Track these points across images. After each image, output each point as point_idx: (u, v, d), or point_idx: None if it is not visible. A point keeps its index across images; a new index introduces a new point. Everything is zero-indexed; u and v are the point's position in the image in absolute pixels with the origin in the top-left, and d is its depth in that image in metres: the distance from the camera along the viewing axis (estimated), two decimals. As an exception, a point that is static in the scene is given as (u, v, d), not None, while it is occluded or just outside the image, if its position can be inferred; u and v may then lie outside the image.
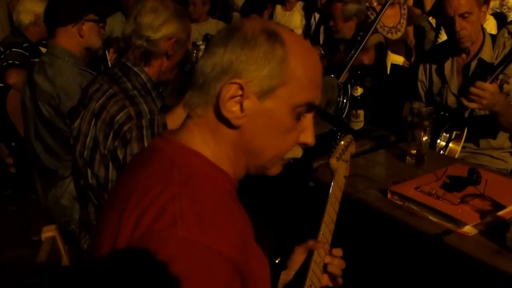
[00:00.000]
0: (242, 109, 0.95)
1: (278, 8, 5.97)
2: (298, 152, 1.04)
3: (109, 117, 1.84)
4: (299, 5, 5.93)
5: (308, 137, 1.03)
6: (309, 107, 1.00)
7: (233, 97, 0.94)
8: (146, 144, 1.77)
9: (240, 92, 0.94)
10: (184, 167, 0.95)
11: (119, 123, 1.81)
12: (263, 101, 0.95)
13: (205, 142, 0.99)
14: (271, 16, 5.65)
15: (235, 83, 0.93)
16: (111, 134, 1.83)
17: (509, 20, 4.83)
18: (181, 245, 0.84)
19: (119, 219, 0.91)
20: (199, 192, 0.92)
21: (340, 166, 1.38)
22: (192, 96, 1.00)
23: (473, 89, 2.24)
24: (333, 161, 1.36)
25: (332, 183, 1.35)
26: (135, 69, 1.94)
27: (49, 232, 1.59)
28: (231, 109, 0.95)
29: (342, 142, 1.38)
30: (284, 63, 0.94)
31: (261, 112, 0.95)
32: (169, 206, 0.87)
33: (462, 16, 2.42)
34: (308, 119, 1.02)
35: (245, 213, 1.04)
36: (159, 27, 1.87)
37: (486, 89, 2.22)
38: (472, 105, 2.28)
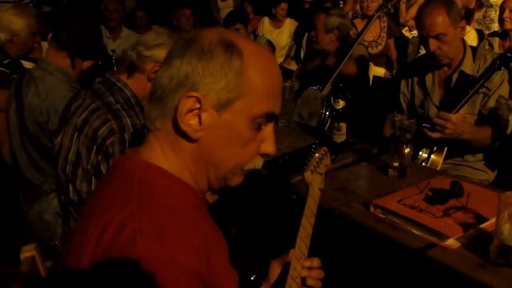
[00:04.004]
0: (200, 122, 0.94)
1: (266, 22, 5.83)
2: (258, 163, 1.03)
3: (92, 131, 1.83)
4: (288, 23, 5.84)
5: (269, 147, 1.01)
6: (269, 117, 0.99)
7: (190, 110, 0.93)
8: None
9: (197, 105, 0.93)
10: (144, 182, 0.94)
11: (102, 137, 1.80)
12: (221, 114, 0.94)
13: (166, 156, 0.98)
14: (254, 33, 5.55)
15: (192, 96, 0.92)
16: (94, 148, 1.83)
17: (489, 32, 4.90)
18: (141, 261, 0.84)
19: (83, 237, 0.92)
20: (159, 206, 0.92)
21: (314, 179, 1.37)
22: (150, 108, 0.99)
23: (436, 120, 2.35)
24: (307, 174, 1.35)
25: (307, 197, 1.34)
26: (119, 84, 1.94)
27: (28, 252, 1.55)
28: (189, 122, 0.94)
29: (317, 154, 1.38)
30: (242, 75, 0.93)
31: (220, 125, 0.94)
32: (128, 223, 0.87)
33: (436, 37, 2.44)
34: (269, 129, 1.01)
35: (215, 226, 1.03)
36: (152, 47, 1.90)
37: (448, 119, 2.32)
38: (435, 134, 2.38)
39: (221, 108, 0.93)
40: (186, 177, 0.99)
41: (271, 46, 4.85)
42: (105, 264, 0.86)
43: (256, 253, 2.18)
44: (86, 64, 2.61)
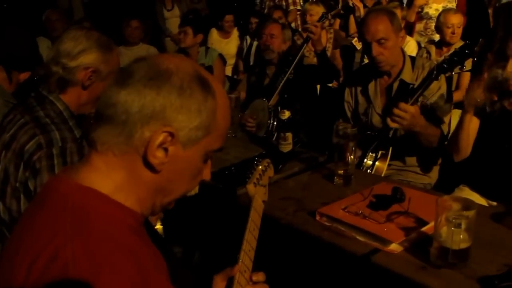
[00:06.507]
0: (166, 155, 0.95)
1: (214, 33, 5.89)
2: (195, 189, 1.09)
3: (19, 147, 1.76)
4: (235, 33, 5.94)
5: (207, 175, 1.08)
6: (217, 151, 1.04)
7: (162, 144, 0.93)
8: None
9: (169, 139, 0.94)
10: (78, 208, 0.91)
11: (29, 152, 1.74)
12: (186, 149, 0.97)
13: (111, 178, 0.95)
14: (204, 42, 5.50)
15: (167, 131, 0.93)
16: (22, 165, 1.76)
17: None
18: None
19: (12, 264, 0.88)
20: (94, 233, 0.88)
21: (257, 192, 1.37)
22: (107, 132, 0.94)
23: (395, 110, 2.34)
24: (250, 187, 1.35)
25: (250, 210, 1.34)
26: (51, 97, 1.86)
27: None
28: (157, 155, 0.94)
29: (260, 167, 1.39)
30: (213, 115, 0.97)
31: (182, 158, 0.97)
32: (60, 252, 0.84)
33: (379, 42, 2.53)
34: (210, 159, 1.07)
35: (154, 248, 1.01)
36: (76, 55, 1.81)
37: (408, 110, 2.33)
38: (394, 124, 2.39)
39: (188, 144, 0.96)
40: (131, 202, 0.97)
41: (222, 59, 4.87)
42: None
43: (203, 267, 2.16)
44: (23, 76, 2.52)
